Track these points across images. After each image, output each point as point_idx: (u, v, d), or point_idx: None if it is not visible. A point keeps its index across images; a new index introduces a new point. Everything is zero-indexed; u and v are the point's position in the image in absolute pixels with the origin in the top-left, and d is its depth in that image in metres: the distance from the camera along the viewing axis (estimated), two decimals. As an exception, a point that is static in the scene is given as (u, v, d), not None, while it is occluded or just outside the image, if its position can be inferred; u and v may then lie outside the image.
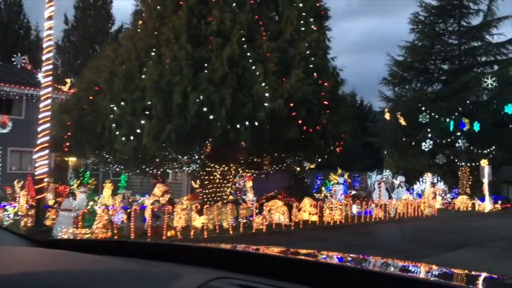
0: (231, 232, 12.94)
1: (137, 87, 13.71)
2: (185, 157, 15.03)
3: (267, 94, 13.42)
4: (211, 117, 13.05)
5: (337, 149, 16.79)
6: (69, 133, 14.70)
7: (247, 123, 13.45)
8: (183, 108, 12.96)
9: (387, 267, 1.24)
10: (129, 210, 13.10)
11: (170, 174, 25.02)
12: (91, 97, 14.61)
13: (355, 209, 19.91)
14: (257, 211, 14.67)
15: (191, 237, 11.92)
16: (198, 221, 12.85)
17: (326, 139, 15.01)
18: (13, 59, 28.72)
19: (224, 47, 13.80)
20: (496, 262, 8.88)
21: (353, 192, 28.62)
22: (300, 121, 14.06)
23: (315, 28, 15.97)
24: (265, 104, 13.37)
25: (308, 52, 15.06)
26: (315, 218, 16.77)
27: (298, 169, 20.33)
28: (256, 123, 13.48)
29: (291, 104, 13.75)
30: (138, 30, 15.18)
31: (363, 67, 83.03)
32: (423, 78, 34.94)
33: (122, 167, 16.06)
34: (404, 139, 31.11)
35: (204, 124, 13.21)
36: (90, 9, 44.82)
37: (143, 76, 13.64)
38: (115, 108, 13.82)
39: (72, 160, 25.95)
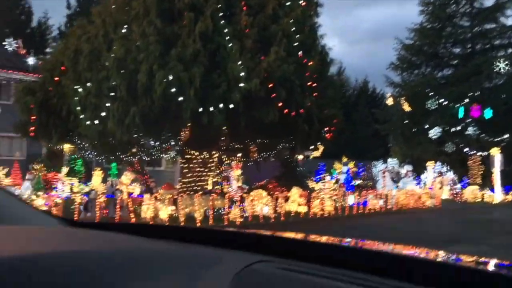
0: (198, 224, 11.83)
1: (103, 67, 12.62)
2: (157, 143, 13.93)
3: (242, 74, 12.20)
4: (180, 98, 11.89)
5: (327, 134, 15.51)
6: (34, 117, 13.69)
7: (221, 105, 12.27)
8: (149, 88, 11.84)
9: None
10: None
11: (163, 161, 24.07)
12: (56, 78, 13.56)
13: (351, 199, 18.67)
14: (235, 201, 13.53)
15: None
16: (165, 212, 11.77)
17: (311, 123, 13.73)
18: (4, 43, 27.93)
19: (197, 22, 12.59)
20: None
21: (358, 181, 27.37)
22: (280, 104, 12.80)
23: (303, 3, 14.62)
24: (240, 85, 12.16)
25: (293, 29, 13.75)
26: (303, 209, 15.60)
27: (290, 157, 19.05)
28: (231, 106, 12.29)
29: (270, 85, 12.51)
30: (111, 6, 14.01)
31: (378, 56, 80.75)
32: (433, 62, 33.20)
33: (94, 153, 15.05)
34: (411, 127, 29.59)
35: (173, 106, 12.07)
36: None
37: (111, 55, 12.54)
38: (79, 89, 12.76)
39: (67, 146, 25.18)
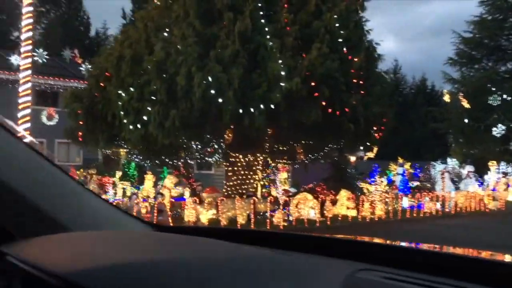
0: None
1: (145, 71, 12.66)
2: (199, 146, 13.79)
3: (283, 73, 11.80)
4: (219, 100, 11.67)
5: (376, 134, 14.75)
6: (81, 122, 13.98)
7: (261, 106, 11.93)
8: (188, 91, 11.70)
9: None
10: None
11: (212, 165, 24.09)
12: (101, 84, 13.77)
13: (406, 202, 17.74)
14: (278, 206, 13.13)
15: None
16: (205, 216, 11.57)
17: (357, 123, 13.07)
18: (62, 53, 29.16)
19: (237, 22, 12.33)
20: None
21: (416, 183, 26.13)
22: (323, 103, 12.28)
23: (347, -2, 14.01)
24: (281, 84, 11.76)
25: (337, 25, 13.19)
26: (353, 212, 14.93)
27: (339, 158, 18.36)
28: (272, 106, 11.92)
29: (312, 83, 12.02)
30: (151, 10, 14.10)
31: (437, 52, 77.39)
32: (495, 56, 31.08)
33: (140, 157, 15.18)
34: (471, 125, 27.87)
35: (212, 108, 11.87)
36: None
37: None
38: (122, 94, 12.87)
39: (123, 151, 25.82)
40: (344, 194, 15.37)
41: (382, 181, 19.45)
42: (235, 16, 12.40)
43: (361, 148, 17.22)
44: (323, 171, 19.18)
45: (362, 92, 13.48)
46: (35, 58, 25.61)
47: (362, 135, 14.00)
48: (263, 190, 17.61)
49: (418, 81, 54.87)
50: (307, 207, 13.99)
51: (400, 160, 25.27)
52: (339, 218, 13.84)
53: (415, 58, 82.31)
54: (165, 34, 13.00)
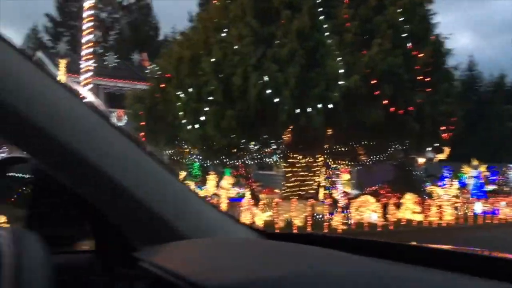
0: (295, 231, 11.20)
1: (203, 72, 12.72)
2: (256, 147, 13.65)
3: (341, 71, 11.36)
4: (276, 100, 11.45)
5: (445, 134, 13.85)
6: (143, 123, 14.32)
7: (319, 105, 11.57)
8: (244, 91, 11.59)
9: None
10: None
11: (274, 165, 23.93)
12: (162, 85, 14.02)
13: (479, 207, 16.59)
14: (336, 208, 12.68)
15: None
16: (260, 218, 11.39)
17: (423, 122, 12.31)
18: (131, 57, 30.33)
19: (294, 19, 12.05)
20: None
21: (492, 187, 24.46)
22: (385, 101, 11.67)
23: (412, -11, 13.27)
24: (340, 82, 11.33)
25: (401, 19, 12.52)
26: (418, 217, 14.12)
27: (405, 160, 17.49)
28: (330, 105, 11.52)
29: (373, 81, 11.47)
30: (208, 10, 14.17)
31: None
32: None
33: (200, 157, 15.31)
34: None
35: (269, 108, 11.68)
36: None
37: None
38: (181, 95, 13.01)
39: (186, 151, 26.38)
40: (409, 197, 14.58)
41: (453, 185, 18.28)
42: (293, 14, 12.13)
43: (428, 149, 16.28)
44: (388, 173, 18.39)
45: (428, 89, 12.69)
46: (105, 62, 26.93)
47: (428, 135, 13.19)
48: (325, 192, 17.18)
49: (497, 78, 51.53)
50: (368, 210, 13.41)
51: (475, 162, 23.71)
52: (403, 223, 13.11)
53: (493, 54, 77.31)
54: (223, 34, 12.98)
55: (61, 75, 13.74)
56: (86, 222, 0.99)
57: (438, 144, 15.38)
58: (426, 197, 15.44)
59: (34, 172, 0.96)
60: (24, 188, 1.07)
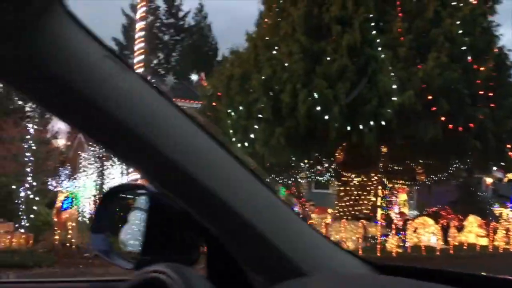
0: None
1: (252, 89, 12.70)
2: (306, 165, 13.36)
3: (394, 86, 10.91)
4: (325, 117, 11.17)
5: (510, 152, 12.89)
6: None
7: (371, 122, 11.16)
8: (293, 108, 11.42)
9: None
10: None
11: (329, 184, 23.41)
12: (213, 103, 14.16)
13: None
14: (390, 230, 12.07)
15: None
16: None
17: (485, 140, 11.51)
18: (189, 77, 31.15)
19: (345, 34, 11.78)
20: None
21: None
22: (442, 117, 11.05)
23: (473, 1, 12.61)
24: (393, 99, 10.88)
25: (460, 31, 11.89)
26: (483, 241, 13.15)
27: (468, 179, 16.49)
28: (383, 122, 11.07)
29: (428, 96, 10.91)
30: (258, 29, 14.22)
31: None
32: None
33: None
34: None
35: (319, 126, 11.41)
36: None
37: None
38: (231, 113, 13.05)
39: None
40: (473, 219, 13.66)
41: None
42: (343, 29, 11.87)
43: (494, 168, 15.25)
44: (451, 193, 17.40)
45: (491, 105, 11.89)
46: (165, 83, 27.84)
47: (493, 153, 12.31)
48: (381, 212, 16.51)
49: None
50: (427, 233, 12.66)
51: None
52: (465, 247, 12.23)
53: None
54: (274, 52, 12.93)
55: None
56: (197, 250, 0.99)
57: (503, 163, 14.34)
58: (493, 220, 14.38)
59: (152, 198, 0.97)
60: (140, 214, 1.07)
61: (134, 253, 1.05)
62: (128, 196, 1.13)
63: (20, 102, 35.50)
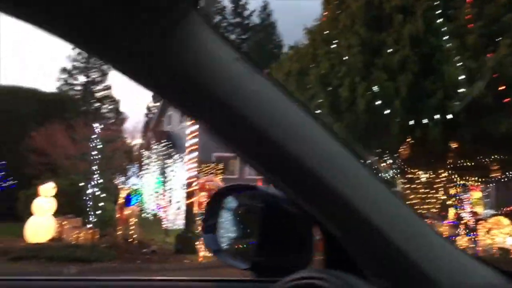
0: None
1: (311, 84, 12.47)
2: (367, 162, 12.85)
3: (462, 77, 10.20)
4: (386, 111, 10.70)
5: None
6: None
7: (436, 116, 10.53)
8: (352, 103, 11.04)
9: None
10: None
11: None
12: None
13: None
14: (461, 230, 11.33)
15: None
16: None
17: None
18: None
19: (407, 24, 11.20)
20: None
21: None
22: (517, 110, 10.18)
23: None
24: (460, 90, 10.19)
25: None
26: None
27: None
28: (449, 116, 10.41)
29: (500, 87, 10.09)
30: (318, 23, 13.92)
31: None
32: None
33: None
34: None
35: (379, 120, 10.94)
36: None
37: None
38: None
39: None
40: (555, 221, 12.49)
41: None
42: (405, 19, 11.28)
43: None
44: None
45: None
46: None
47: None
48: (452, 211, 15.61)
49: None
50: (501, 234, 11.75)
51: None
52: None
53: None
54: (332, 46, 12.59)
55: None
56: (311, 251, 0.98)
57: None
58: None
59: (265, 200, 0.99)
60: (252, 216, 1.09)
61: (243, 253, 1.05)
62: (239, 196, 1.12)
63: (97, 104, 37.60)
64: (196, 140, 10.85)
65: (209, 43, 0.66)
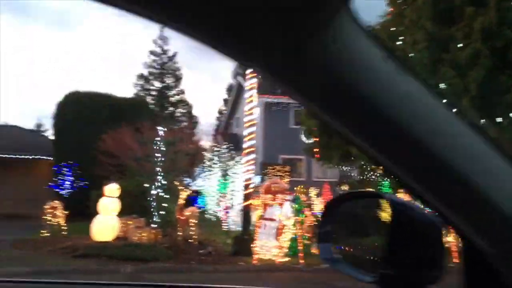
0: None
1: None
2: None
3: (541, 71, 9.29)
4: (453, 110, 9.97)
5: None
6: (316, 139, 14.21)
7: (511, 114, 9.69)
8: (418, 101, 10.43)
9: None
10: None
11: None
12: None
13: None
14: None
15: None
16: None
17: None
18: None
19: (478, 16, 10.40)
20: None
21: None
22: None
23: None
24: (539, 86, 9.28)
25: None
26: None
27: None
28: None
29: None
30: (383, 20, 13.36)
31: None
32: None
33: (376, 174, 14.42)
34: None
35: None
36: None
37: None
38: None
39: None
40: None
41: None
42: (476, 11, 10.48)
43: None
44: None
45: None
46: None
47: None
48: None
49: None
50: None
51: None
52: None
53: None
54: (397, 42, 12.02)
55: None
56: (441, 267, 0.92)
57: None
58: None
59: (394, 208, 0.93)
60: (372, 225, 1.08)
61: (365, 264, 1.01)
62: (357, 203, 1.09)
63: (171, 108, 38.95)
64: (253, 142, 10.81)
65: (359, 42, 0.66)
